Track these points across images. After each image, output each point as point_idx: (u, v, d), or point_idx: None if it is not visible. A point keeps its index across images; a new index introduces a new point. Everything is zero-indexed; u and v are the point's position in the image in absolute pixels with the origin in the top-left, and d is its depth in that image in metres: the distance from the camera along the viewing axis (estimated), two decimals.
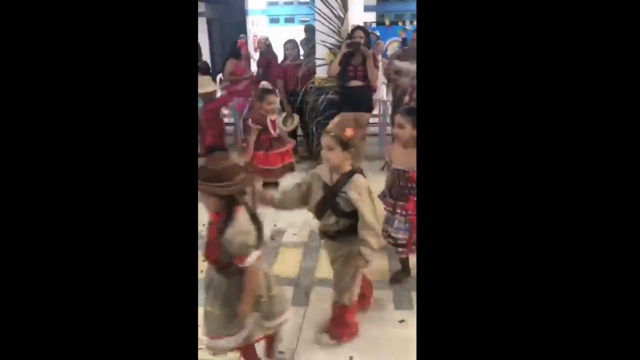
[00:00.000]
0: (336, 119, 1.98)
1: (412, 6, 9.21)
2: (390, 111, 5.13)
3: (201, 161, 1.87)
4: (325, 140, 1.92)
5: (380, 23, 9.55)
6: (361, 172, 2.01)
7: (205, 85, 4.27)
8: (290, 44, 5.09)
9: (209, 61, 7.65)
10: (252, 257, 1.73)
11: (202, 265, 1.87)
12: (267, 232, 3.36)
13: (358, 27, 4.35)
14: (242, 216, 1.71)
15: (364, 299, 2.36)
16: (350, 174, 1.97)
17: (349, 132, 1.89)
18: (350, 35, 4.29)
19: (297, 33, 6.38)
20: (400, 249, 2.48)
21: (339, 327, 2.26)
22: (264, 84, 5.04)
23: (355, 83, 4.26)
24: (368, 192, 1.94)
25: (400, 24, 9.14)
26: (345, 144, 1.90)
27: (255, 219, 1.78)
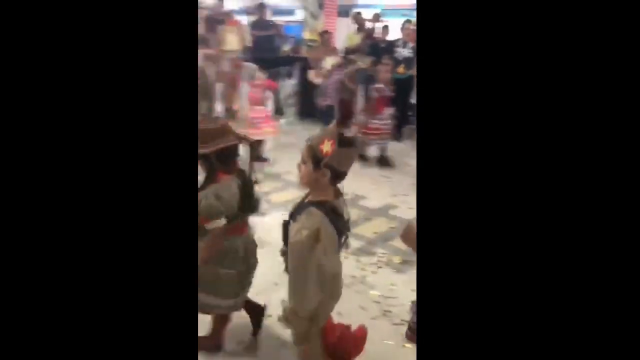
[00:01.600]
0: (323, 130, 1.55)
1: None
2: None
3: None
4: (303, 150, 1.50)
5: None
6: (331, 208, 1.47)
7: None
8: None
9: None
10: (215, 223, 1.69)
11: None
12: None
13: None
14: (223, 181, 1.73)
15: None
16: (317, 204, 1.46)
17: (326, 146, 1.43)
18: None
19: None
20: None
21: None
22: None
23: None
24: (312, 240, 1.38)
25: None
26: (317, 161, 1.44)
27: (246, 189, 1.78)
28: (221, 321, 2.04)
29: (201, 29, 5.85)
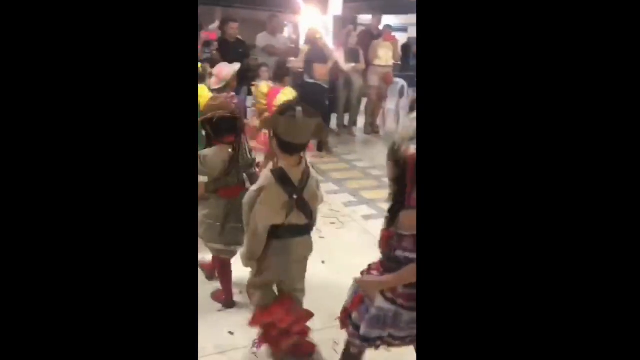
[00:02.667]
0: None
1: None
2: None
3: None
4: None
5: None
6: (281, 173, 1.62)
7: None
8: None
9: None
10: (199, 179, 1.96)
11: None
12: None
13: None
14: (215, 148, 2.05)
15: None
16: (273, 169, 1.65)
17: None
18: None
19: None
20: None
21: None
22: None
23: None
24: (255, 195, 1.62)
25: None
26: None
27: (234, 159, 2.06)
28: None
29: (353, 43, 5.88)
